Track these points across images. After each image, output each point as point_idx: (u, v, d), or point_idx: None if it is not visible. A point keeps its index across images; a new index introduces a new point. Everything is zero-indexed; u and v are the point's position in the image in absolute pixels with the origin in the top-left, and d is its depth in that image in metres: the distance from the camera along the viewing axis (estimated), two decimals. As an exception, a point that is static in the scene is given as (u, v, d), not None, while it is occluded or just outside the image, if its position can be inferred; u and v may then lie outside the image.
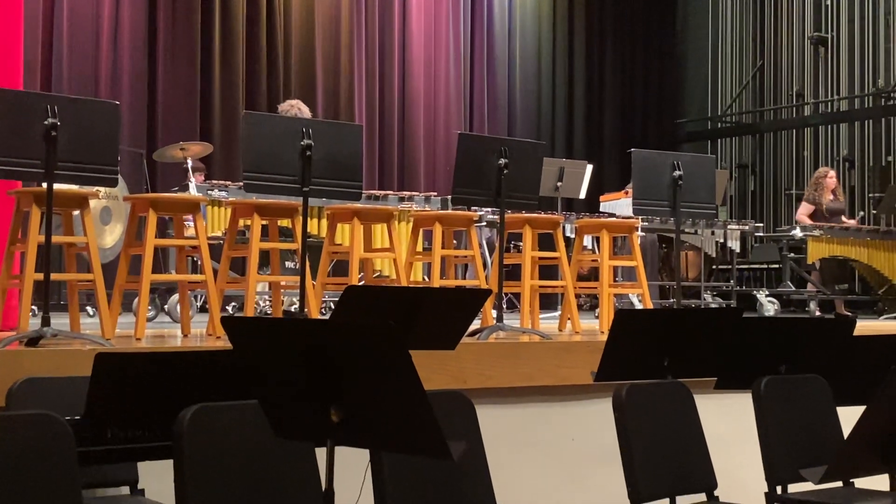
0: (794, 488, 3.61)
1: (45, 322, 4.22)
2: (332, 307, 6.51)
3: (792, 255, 9.67)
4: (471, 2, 12.68)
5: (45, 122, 4.18)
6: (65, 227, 5.04)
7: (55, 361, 3.81)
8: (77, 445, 2.44)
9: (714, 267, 10.46)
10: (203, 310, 7.30)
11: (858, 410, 2.58)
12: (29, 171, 4.28)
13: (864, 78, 12.70)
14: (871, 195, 12.12)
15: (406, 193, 7.74)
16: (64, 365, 3.74)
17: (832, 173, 10.14)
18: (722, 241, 9.17)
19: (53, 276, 4.48)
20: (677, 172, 5.66)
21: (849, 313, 9.48)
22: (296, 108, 7.43)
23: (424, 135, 12.13)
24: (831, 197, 9.94)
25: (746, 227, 9.38)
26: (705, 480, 3.57)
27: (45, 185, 4.29)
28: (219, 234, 6.64)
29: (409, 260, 6.22)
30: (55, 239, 4.56)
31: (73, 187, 4.80)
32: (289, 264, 7.50)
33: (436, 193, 7.95)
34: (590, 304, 10.08)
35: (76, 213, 4.92)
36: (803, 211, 9.83)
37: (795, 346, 3.85)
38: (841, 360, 3.82)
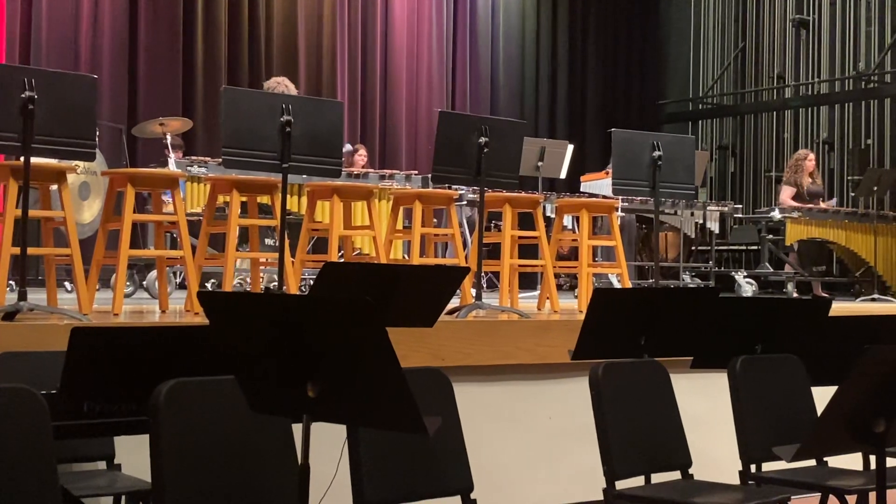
0: (768, 467, 3.65)
1: (22, 296, 4.20)
2: (312, 284, 6.51)
3: (770, 236, 9.72)
4: (454, -20, 12.65)
5: (23, 96, 4.15)
6: (42, 201, 5.00)
7: (31, 336, 3.80)
8: (52, 420, 2.44)
9: (693, 248, 10.51)
10: (182, 286, 7.28)
11: (833, 390, 2.60)
12: (6, 145, 4.25)
13: (844, 61, 12.74)
14: (849, 178, 12.18)
15: (387, 171, 7.73)
16: (40, 339, 3.73)
17: (811, 156, 10.18)
18: (701, 221, 9.19)
19: (30, 251, 4.46)
20: (657, 153, 5.67)
21: (826, 295, 9.55)
22: (282, 84, 7.34)
23: (406, 113, 12.11)
24: (810, 180, 9.99)
25: (726, 209, 9.40)
26: (680, 458, 3.59)
27: (22, 158, 4.26)
28: (198, 210, 6.61)
29: (388, 238, 6.22)
30: (32, 213, 4.54)
31: (51, 161, 4.77)
32: (268, 241, 7.49)
33: (416, 172, 7.94)
34: (569, 284, 10.11)
35: (54, 187, 4.89)
36: (787, 194, 9.85)
37: (771, 326, 3.88)
38: (816, 341, 3.85)
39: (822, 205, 9.97)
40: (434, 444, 2.87)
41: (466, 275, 4.96)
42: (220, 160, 5.35)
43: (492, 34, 13.00)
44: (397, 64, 12.06)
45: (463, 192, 7.82)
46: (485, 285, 6.11)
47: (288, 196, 4.99)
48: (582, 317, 3.83)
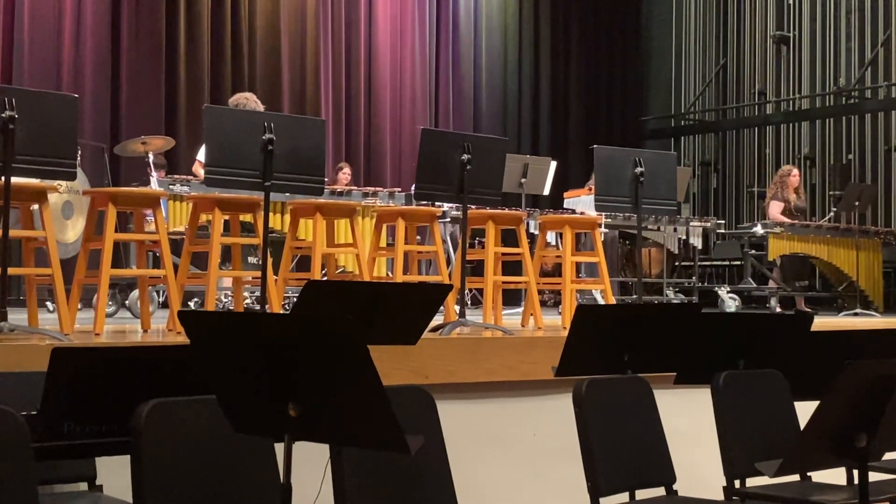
0: (752, 482, 3.64)
1: (2, 317, 4.18)
2: (294, 302, 6.49)
3: (753, 251, 9.76)
4: (437, -2, 12.71)
5: (3, 115, 4.14)
6: (23, 221, 4.98)
7: (12, 356, 3.77)
8: (33, 441, 2.41)
9: (676, 263, 10.53)
10: (164, 305, 7.25)
11: (816, 405, 2.61)
12: (-14, 165, 4.23)
13: (825, 77, 12.83)
14: (831, 193, 12.25)
15: (370, 189, 7.74)
16: (21, 360, 3.70)
17: (795, 171, 10.24)
18: (684, 237, 9.23)
19: (11, 271, 4.44)
20: (639, 169, 5.69)
21: (809, 310, 9.58)
22: (251, 101, 7.33)
23: (390, 130, 12.13)
24: (795, 195, 10.04)
25: (708, 224, 9.44)
26: (664, 475, 3.59)
27: (2, 178, 4.24)
28: (180, 228, 6.59)
29: (372, 255, 6.21)
30: (13, 233, 4.51)
31: (32, 181, 4.75)
32: (251, 259, 7.47)
33: (400, 189, 7.95)
34: (553, 300, 10.12)
35: (35, 207, 4.87)
36: (775, 209, 9.89)
37: (753, 341, 3.88)
38: (798, 356, 3.86)
39: (822, 222, 10.03)
40: (417, 462, 2.86)
41: (449, 292, 4.96)
42: (203, 178, 5.34)
43: (474, 51, 13.05)
44: (381, 82, 12.08)
45: (446, 209, 7.82)
46: (469, 302, 6.10)
47: (271, 214, 4.98)
48: (565, 333, 3.83)
